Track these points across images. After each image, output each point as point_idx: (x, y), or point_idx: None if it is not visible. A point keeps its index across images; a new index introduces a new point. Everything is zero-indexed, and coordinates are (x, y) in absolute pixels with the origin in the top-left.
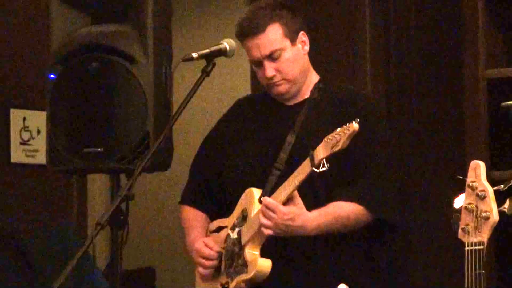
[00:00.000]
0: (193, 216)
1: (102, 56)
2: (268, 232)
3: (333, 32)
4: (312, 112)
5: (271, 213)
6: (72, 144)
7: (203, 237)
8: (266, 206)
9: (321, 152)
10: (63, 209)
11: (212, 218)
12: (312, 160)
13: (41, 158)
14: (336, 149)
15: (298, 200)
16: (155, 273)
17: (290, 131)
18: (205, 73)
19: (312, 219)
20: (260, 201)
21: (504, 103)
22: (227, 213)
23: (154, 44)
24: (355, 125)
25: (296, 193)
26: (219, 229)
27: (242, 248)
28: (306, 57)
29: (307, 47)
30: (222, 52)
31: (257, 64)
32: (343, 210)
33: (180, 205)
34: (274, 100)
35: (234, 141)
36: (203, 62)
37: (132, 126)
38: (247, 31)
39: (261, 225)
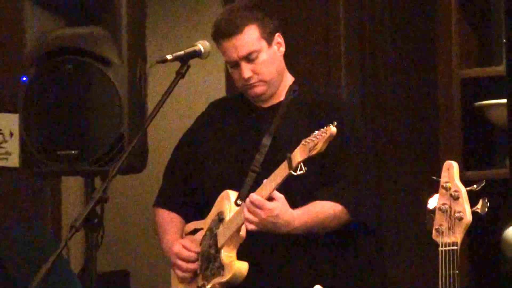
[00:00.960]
0: (168, 219)
1: (76, 58)
2: (251, 227)
3: (308, 33)
4: (287, 114)
5: (257, 210)
6: (45, 146)
7: (179, 239)
8: (253, 203)
9: (298, 155)
10: (37, 212)
11: (187, 220)
12: (289, 163)
13: (14, 161)
14: (314, 152)
15: (280, 196)
16: (130, 276)
17: (266, 133)
18: (180, 75)
19: (296, 217)
20: (237, 204)
21: (477, 103)
22: (202, 215)
23: (128, 46)
24: (332, 129)
25: (275, 191)
26: (195, 231)
27: (218, 250)
28: (282, 58)
29: (282, 49)
30: (196, 54)
31: (234, 65)
32: (325, 210)
33: (155, 208)
34: (249, 102)
35: (209, 143)
36: (177, 64)
37: (106, 128)
38: (224, 31)
39: (246, 220)
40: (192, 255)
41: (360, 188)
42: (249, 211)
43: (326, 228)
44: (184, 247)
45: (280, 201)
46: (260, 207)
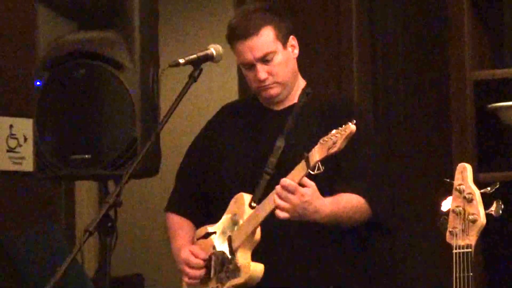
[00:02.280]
0: (179, 224)
1: (89, 62)
2: (284, 215)
3: (319, 38)
4: (300, 116)
5: (289, 195)
6: (59, 151)
7: (189, 245)
8: (286, 188)
9: (317, 154)
10: (51, 216)
11: (198, 225)
12: (307, 162)
13: (28, 165)
14: (333, 150)
15: (311, 183)
16: (144, 279)
17: (279, 135)
18: (192, 78)
19: (326, 205)
20: (251, 206)
21: (490, 105)
22: (214, 219)
23: (141, 50)
24: (352, 127)
25: (305, 178)
26: (207, 235)
27: (233, 253)
28: (295, 61)
29: (296, 51)
30: (209, 58)
31: (249, 67)
32: (351, 201)
33: (166, 212)
34: (261, 105)
35: (222, 146)
36: (190, 67)
37: (119, 132)
38: (240, 33)
39: (277, 207)
40: (200, 262)
41: (379, 187)
42: (280, 197)
43: (350, 220)
44: (193, 253)
45: (312, 187)
46: (292, 192)
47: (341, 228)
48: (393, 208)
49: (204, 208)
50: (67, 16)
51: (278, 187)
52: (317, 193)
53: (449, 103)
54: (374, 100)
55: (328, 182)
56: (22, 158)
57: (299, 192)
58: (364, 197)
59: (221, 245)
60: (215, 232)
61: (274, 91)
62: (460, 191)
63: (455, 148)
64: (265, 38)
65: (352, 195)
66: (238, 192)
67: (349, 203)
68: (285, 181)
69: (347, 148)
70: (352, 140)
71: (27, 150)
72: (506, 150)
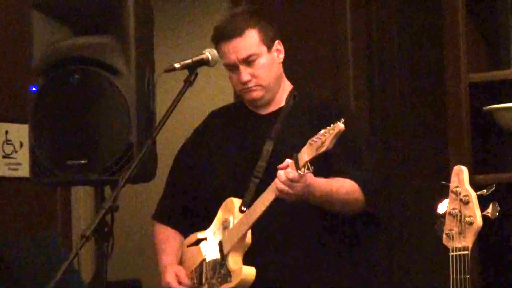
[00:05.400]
0: (165, 237)
1: (84, 67)
2: (283, 197)
3: (315, 43)
4: (288, 119)
5: (294, 184)
6: (55, 156)
7: (175, 264)
8: (292, 180)
9: (305, 154)
10: (47, 222)
11: (186, 234)
12: (296, 163)
13: (24, 171)
14: (322, 150)
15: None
16: (141, 284)
17: (267, 139)
18: (188, 83)
19: (320, 184)
20: (241, 210)
21: (486, 107)
22: (204, 225)
23: (136, 55)
24: (340, 125)
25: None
26: (197, 241)
27: (224, 257)
28: (281, 65)
29: (282, 56)
30: (204, 62)
31: (232, 68)
32: (345, 184)
33: (153, 221)
34: (248, 109)
35: (210, 152)
36: (186, 72)
37: (115, 137)
38: (225, 34)
39: (279, 191)
40: None
41: (372, 176)
42: (284, 183)
43: (342, 205)
44: (177, 276)
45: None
46: (297, 181)
47: (334, 212)
48: (385, 200)
49: (193, 217)
50: (62, 21)
51: (282, 178)
52: (313, 177)
53: (445, 105)
54: (370, 102)
55: (322, 175)
56: (18, 164)
57: (302, 180)
58: (358, 184)
59: (212, 251)
60: (205, 238)
61: (257, 94)
62: (456, 194)
63: (451, 151)
64: (249, 40)
65: (346, 180)
66: (228, 197)
67: (342, 185)
68: (289, 173)
69: (340, 144)
70: (344, 136)
71: (23, 156)
72: (502, 152)
